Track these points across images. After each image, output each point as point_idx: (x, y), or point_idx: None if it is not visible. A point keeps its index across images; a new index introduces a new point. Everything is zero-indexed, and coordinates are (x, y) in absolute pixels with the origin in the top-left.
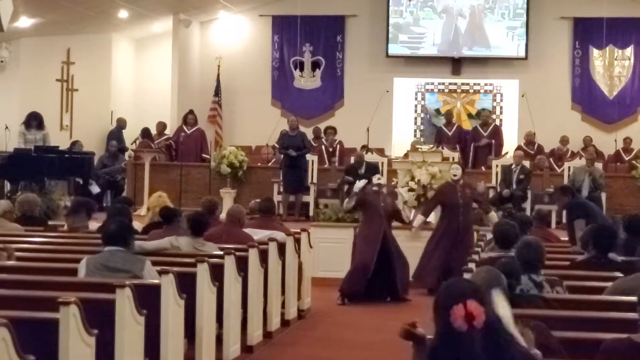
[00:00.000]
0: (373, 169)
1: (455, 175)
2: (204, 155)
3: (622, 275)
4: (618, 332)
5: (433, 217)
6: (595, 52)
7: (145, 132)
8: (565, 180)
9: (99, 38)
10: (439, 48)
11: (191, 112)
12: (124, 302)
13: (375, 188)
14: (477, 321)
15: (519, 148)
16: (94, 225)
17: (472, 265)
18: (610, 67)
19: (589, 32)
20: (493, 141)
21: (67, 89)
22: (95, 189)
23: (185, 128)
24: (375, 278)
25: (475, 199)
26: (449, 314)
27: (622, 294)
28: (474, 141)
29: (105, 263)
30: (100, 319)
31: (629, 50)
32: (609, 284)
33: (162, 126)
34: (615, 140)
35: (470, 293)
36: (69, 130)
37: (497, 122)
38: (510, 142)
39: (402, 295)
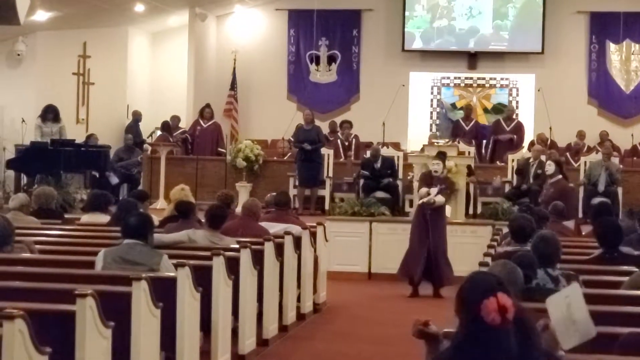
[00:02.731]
0: (389, 163)
1: (435, 172)
2: (219, 149)
3: (638, 269)
4: (635, 327)
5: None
6: (612, 47)
7: (165, 126)
8: (582, 175)
9: (115, 32)
10: (455, 42)
11: (208, 105)
12: (140, 295)
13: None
14: (509, 313)
15: (533, 144)
16: (106, 218)
17: (488, 259)
18: (627, 62)
19: (605, 27)
20: (515, 137)
21: (83, 83)
22: (114, 179)
23: (201, 122)
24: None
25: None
26: (479, 308)
27: (638, 288)
28: (495, 134)
29: (123, 256)
30: (116, 312)
31: None
32: (625, 278)
33: (176, 120)
34: (632, 135)
35: (498, 285)
36: (85, 123)
37: (514, 116)
38: (527, 137)
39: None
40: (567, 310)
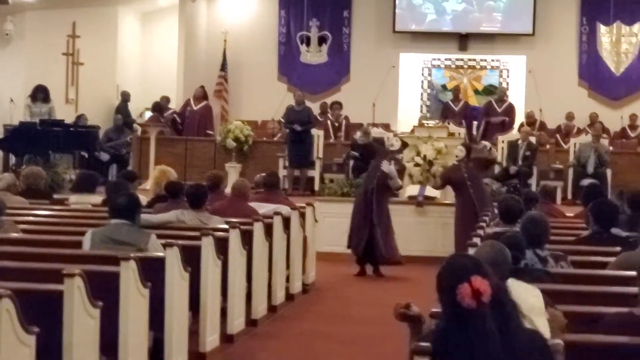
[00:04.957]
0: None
1: (457, 157)
2: (208, 130)
3: (625, 250)
4: (621, 307)
5: (438, 193)
6: (602, 29)
7: (156, 106)
8: (571, 157)
9: (104, 11)
10: (446, 24)
11: (201, 87)
12: (129, 275)
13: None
14: (484, 296)
15: (522, 125)
16: (97, 198)
17: (477, 240)
18: (617, 44)
19: (596, 9)
20: (507, 119)
21: (73, 63)
22: (104, 156)
23: (192, 102)
24: None
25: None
26: (455, 293)
27: (625, 268)
28: (487, 116)
29: (111, 236)
30: (104, 292)
31: (636, 27)
32: (613, 259)
33: (166, 100)
34: (622, 117)
35: (473, 268)
36: (75, 104)
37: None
38: (517, 118)
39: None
40: None
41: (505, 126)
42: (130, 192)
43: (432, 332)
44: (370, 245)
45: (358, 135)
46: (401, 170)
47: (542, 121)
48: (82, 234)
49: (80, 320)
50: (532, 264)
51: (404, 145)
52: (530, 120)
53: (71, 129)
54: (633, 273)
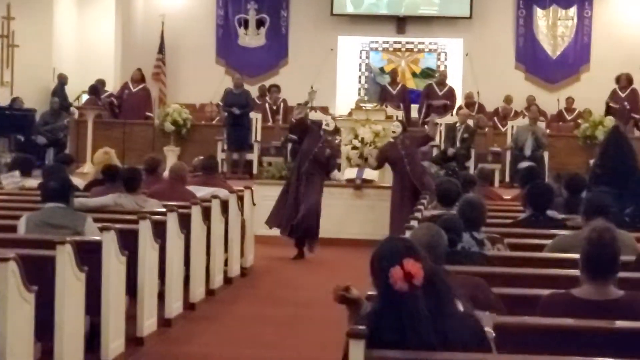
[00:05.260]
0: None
1: (394, 132)
2: (147, 113)
3: (562, 232)
4: (557, 289)
5: (376, 176)
6: (539, 12)
7: (93, 89)
8: (509, 139)
9: None
10: (384, 7)
11: (138, 69)
12: (65, 259)
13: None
14: (416, 279)
15: (461, 108)
16: (32, 182)
17: (414, 223)
18: (553, 27)
19: None
20: (448, 102)
21: (8, 45)
22: (41, 140)
23: (130, 85)
24: None
25: (418, 140)
26: (387, 276)
27: (561, 251)
28: (428, 98)
29: (46, 220)
30: (40, 276)
31: (572, 10)
32: (549, 241)
33: (101, 83)
34: (558, 100)
35: (405, 251)
36: (10, 86)
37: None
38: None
39: None
40: None
41: (447, 109)
42: (62, 175)
43: (367, 314)
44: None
45: (295, 112)
46: (336, 153)
47: (481, 103)
48: (17, 218)
49: (15, 305)
50: (469, 246)
51: (336, 130)
52: (470, 101)
53: (6, 112)
54: (568, 255)
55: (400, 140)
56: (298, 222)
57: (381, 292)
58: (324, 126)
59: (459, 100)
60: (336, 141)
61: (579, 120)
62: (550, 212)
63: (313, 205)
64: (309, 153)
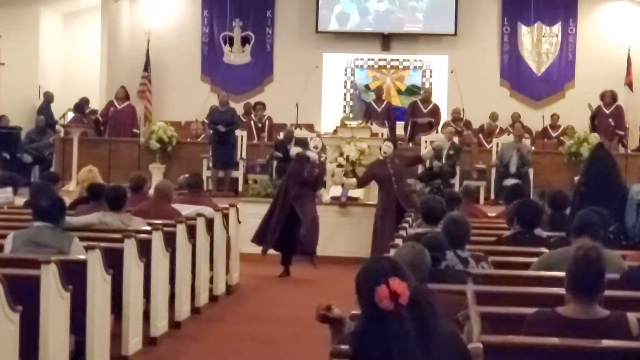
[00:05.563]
0: (302, 144)
1: (385, 153)
2: (135, 130)
3: (547, 250)
4: (542, 307)
5: (361, 193)
6: (523, 29)
7: (78, 107)
8: (494, 157)
9: (26, 11)
10: (368, 24)
11: (122, 87)
12: (50, 278)
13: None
14: (402, 299)
15: (447, 124)
16: (19, 200)
17: (398, 241)
18: (538, 44)
19: (517, 9)
20: (433, 120)
21: None
22: (27, 158)
23: (116, 103)
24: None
25: (406, 162)
26: (372, 295)
27: (547, 268)
28: (413, 116)
29: (33, 239)
30: (25, 295)
31: (557, 27)
32: (535, 259)
33: (85, 101)
34: (543, 117)
35: (391, 270)
36: None
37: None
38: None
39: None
40: None
41: (432, 127)
42: (54, 194)
43: (351, 334)
44: (288, 239)
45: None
46: (323, 172)
47: (468, 120)
48: (4, 236)
49: (0, 325)
50: (453, 265)
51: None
52: (457, 117)
53: None
54: (553, 273)
55: (390, 160)
56: (300, 240)
57: (366, 311)
58: (311, 147)
59: (445, 117)
60: (321, 159)
61: (562, 138)
62: (536, 231)
63: (312, 221)
64: (298, 176)
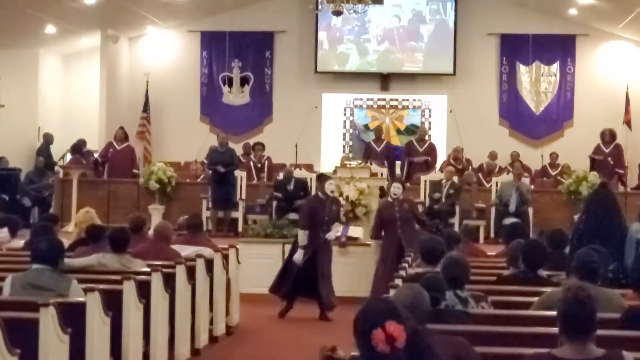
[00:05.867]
0: (302, 184)
1: (395, 195)
2: (134, 170)
3: (547, 290)
4: (542, 347)
5: (360, 233)
6: (522, 68)
7: (77, 148)
8: (493, 195)
9: (25, 53)
10: (368, 64)
11: (121, 128)
12: (48, 321)
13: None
14: (398, 342)
15: (447, 164)
16: (19, 242)
17: (398, 282)
18: (536, 83)
19: (515, 49)
20: (429, 158)
21: None
22: (27, 202)
23: (115, 144)
24: None
25: (414, 213)
26: (369, 338)
27: (548, 308)
28: (409, 156)
29: (31, 281)
30: (24, 338)
31: (555, 67)
32: (535, 299)
33: (82, 142)
34: (542, 156)
35: (387, 313)
36: None
37: (426, 138)
38: (439, 157)
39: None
40: None
41: (428, 166)
42: (52, 236)
43: None
44: (312, 288)
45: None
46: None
47: (468, 158)
48: (2, 279)
49: None
50: (453, 305)
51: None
52: (457, 155)
53: None
54: (554, 313)
55: (398, 202)
56: (319, 287)
57: (364, 354)
58: (328, 192)
59: (443, 156)
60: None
61: (559, 178)
62: (539, 271)
63: (329, 272)
64: (323, 219)
